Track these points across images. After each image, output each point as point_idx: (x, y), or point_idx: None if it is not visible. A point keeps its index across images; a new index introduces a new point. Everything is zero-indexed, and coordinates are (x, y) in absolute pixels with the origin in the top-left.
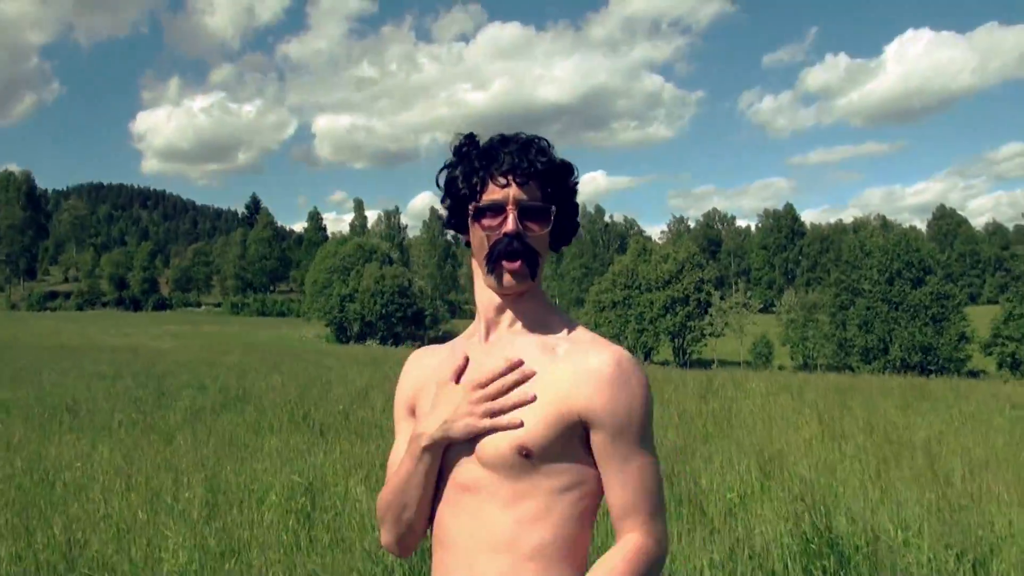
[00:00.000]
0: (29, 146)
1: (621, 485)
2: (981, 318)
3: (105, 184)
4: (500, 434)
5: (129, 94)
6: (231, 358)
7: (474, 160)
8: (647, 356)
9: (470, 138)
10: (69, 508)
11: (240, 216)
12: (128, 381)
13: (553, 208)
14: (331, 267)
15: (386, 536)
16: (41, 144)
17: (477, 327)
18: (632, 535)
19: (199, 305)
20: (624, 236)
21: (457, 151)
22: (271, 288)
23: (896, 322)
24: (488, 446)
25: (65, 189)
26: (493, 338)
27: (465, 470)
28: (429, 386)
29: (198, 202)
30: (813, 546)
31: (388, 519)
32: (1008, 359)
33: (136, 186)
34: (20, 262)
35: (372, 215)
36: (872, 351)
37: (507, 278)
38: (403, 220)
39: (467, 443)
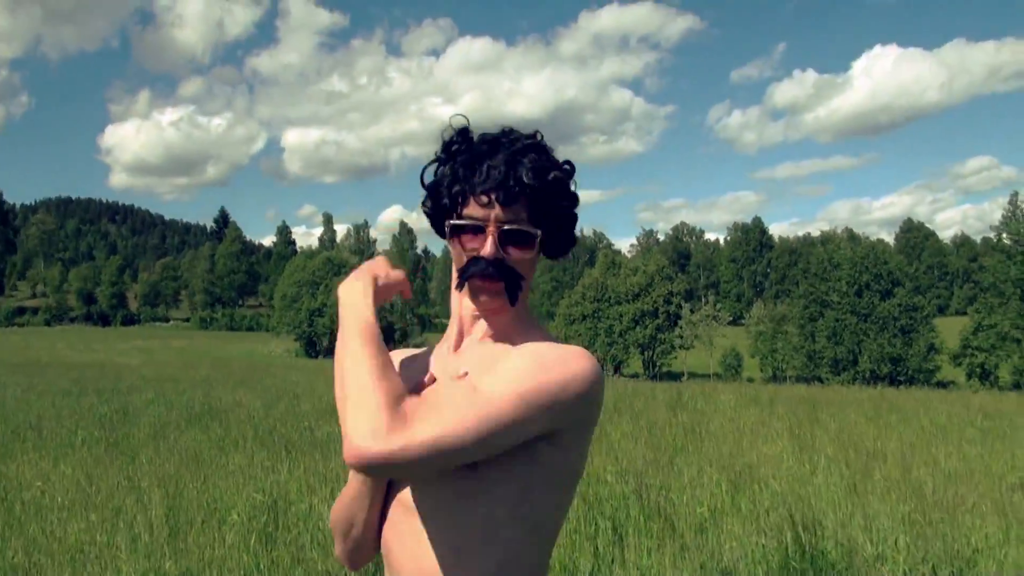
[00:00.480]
0: None
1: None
2: (950, 329)
3: (73, 198)
4: None
5: (98, 107)
6: (198, 373)
7: (458, 168)
8: (617, 369)
9: (463, 134)
10: (27, 529)
11: (209, 230)
12: (93, 398)
13: (539, 233)
14: (300, 281)
15: (338, 548)
16: (8, 158)
17: (449, 333)
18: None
19: (167, 320)
20: (593, 249)
21: (446, 148)
22: (240, 302)
23: (865, 334)
24: None
25: (33, 203)
26: (464, 347)
27: (408, 489)
28: None
29: (167, 216)
30: (794, 563)
31: (338, 532)
32: (977, 369)
33: (104, 200)
34: None
35: (341, 229)
36: (841, 362)
37: (482, 298)
38: (372, 234)
39: None
